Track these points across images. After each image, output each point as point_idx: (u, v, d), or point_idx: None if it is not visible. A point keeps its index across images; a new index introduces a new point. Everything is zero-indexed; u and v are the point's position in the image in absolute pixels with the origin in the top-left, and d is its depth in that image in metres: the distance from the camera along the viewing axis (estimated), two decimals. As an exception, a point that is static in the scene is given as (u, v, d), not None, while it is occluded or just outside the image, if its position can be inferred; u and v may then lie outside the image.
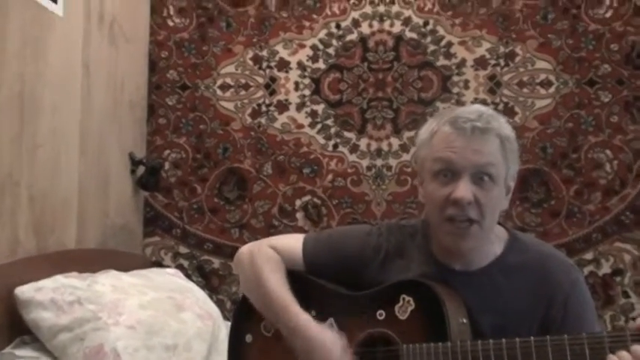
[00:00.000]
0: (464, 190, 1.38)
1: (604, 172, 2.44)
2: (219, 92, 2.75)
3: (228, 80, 2.75)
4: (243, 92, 2.74)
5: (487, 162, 1.39)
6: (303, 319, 1.46)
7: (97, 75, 2.43)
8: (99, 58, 2.44)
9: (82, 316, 1.83)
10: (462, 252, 1.46)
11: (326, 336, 1.43)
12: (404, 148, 2.59)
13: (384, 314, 1.46)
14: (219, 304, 2.52)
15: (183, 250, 2.76)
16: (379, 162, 2.63)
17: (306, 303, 1.51)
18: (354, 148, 2.65)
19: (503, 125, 1.43)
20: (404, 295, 1.44)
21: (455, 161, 1.39)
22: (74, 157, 2.31)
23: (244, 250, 1.63)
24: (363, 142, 2.64)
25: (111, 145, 2.55)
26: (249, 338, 1.62)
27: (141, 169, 2.68)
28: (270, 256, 1.57)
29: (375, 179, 2.63)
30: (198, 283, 2.53)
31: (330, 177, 2.66)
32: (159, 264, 2.70)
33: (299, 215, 2.69)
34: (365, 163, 2.64)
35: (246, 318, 1.64)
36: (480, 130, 1.38)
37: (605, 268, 2.43)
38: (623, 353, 1.21)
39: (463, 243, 1.42)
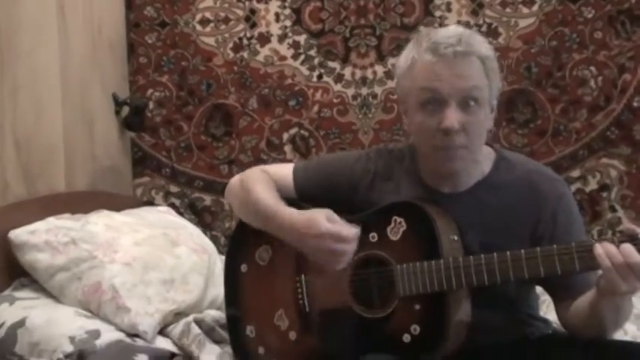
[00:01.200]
0: (452, 118, 1.38)
1: (589, 89, 2.44)
2: (198, 27, 2.70)
3: (208, 15, 2.69)
4: (223, 26, 2.69)
5: (472, 86, 1.39)
6: (288, 212, 1.46)
7: (72, 16, 2.37)
8: (73, -2, 2.38)
9: (78, 255, 1.85)
10: (451, 174, 1.47)
11: (308, 215, 1.43)
12: (389, 75, 2.57)
13: (376, 236, 1.48)
14: (214, 240, 2.53)
15: (173, 189, 2.76)
16: (365, 90, 2.61)
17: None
18: (339, 78, 2.63)
19: (482, 45, 1.42)
20: (395, 217, 1.47)
21: (440, 90, 1.38)
22: (56, 101, 2.28)
23: (235, 177, 1.65)
24: (347, 71, 2.62)
25: (93, 87, 2.51)
26: (244, 268, 1.65)
27: (125, 110, 2.65)
28: (260, 176, 1.59)
29: (361, 108, 2.62)
30: (191, 221, 2.54)
31: (316, 108, 2.65)
32: (150, 203, 2.70)
33: (287, 148, 2.68)
34: (350, 92, 2.62)
35: (240, 248, 1.67)
36: (462, 54, 1.37)
37: (592, 185, 2.46)
38: (610, 247, 1.24)
39: (452, 165, 1.45)
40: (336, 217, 1.41)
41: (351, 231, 1.39)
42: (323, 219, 1.39)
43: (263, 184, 1.56)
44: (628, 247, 1.24)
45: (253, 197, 1.53)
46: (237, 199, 1.62)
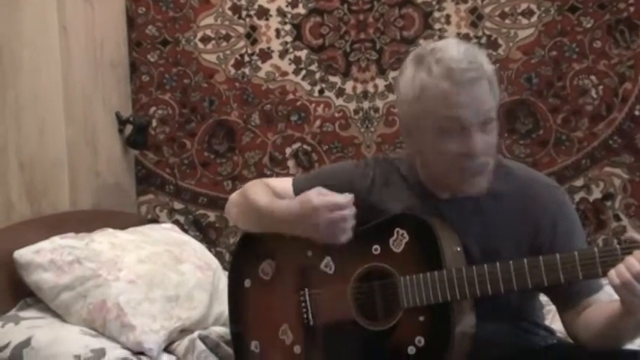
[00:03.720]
0: (479, 143, 1.38)
1: (590, 99, 2.44)
2: (200, 45, 2.72)
3: (209, 32, 2.72)
4: (224, 43, 2.71)
5: (489, 108, 1.40)
6: (285, 205, 1.49)
7: (74, 35, 2.40)
8: (75, 17, 2.40)
9: (83, 274, 1.85)
10: (470, 189, 1.46)
11: (298, 199, 1.46)
12: (390, 88, 2.58)
13: (379, 249, 1.48)
14: (218, 256, 2.53)
15: (178, 205, 2.77)
16: (366, 104, 2.62)
17: (301, 244, 1.53)
18: (340, 92, 2.64)
19: (486, 62, 1.41)
20: (397, 229, 1.47)
21: (464, 118, 1.37)
22: (60, 120, 2.30)
23: (235, 193, 1.66)
24: (348, 86, 2.63)
25: (96, 106, 2.53)
26: (247, 283, 1.65)
27: (129, 128, 2.67)
28: (258, 184, 1.61)
29: (363, 122, 2.63)
30: (195, 238, 2.54)
31: (318, 122, 2.66)
32: (155, 221, 2.71)
33: (290, 163, 2.69)
34: (352, 106, 2.63)
35: (244, 264, 1.67)
36: (476, 80, 1.37)
37: (596, 194, 2.46)
38: (619, 266, 1.24)
39: (477, 182, 1.44)
40: (325, 190, 1.44)
41: (344, 197, 1.42)
42: (313, 195, 1.43)
43: (260, 190, 1.58)
44: (631, 259, 1.23)
45: (250, 201, 1.56)
46: (236, 209, 1.64)
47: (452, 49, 1.40)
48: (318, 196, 1.42)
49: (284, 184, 1.63)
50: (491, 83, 1.40)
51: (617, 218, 2.44)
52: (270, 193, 1.58)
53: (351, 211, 1.42)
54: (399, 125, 1.54)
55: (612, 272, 1.25)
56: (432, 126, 1.41)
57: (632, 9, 2.37)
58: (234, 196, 1.66)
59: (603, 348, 1.39)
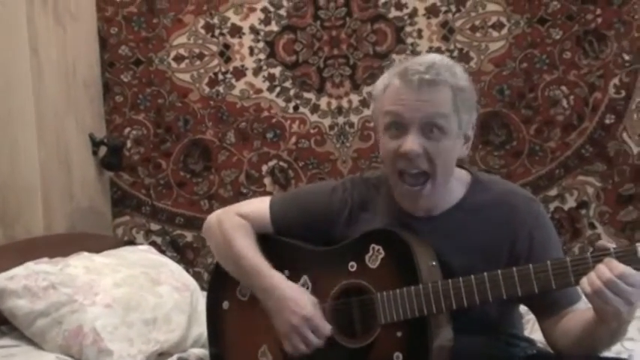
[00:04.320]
0: (411, 142, 1.39)
1: (561, 109, 2.47)
2: (173, 64, 2.72)
3: (182, 51, 2.71)
4: (198, 62, 2.71)
5: (434, 113, 1.39)
6: (276, 279, 1.49)
7: (46, 57, 2.38)
8: (46, 39, 2.39)
9: (58, 300, 1.83)
10: (420, 206, 1.48)
11: (296, 293, 1.47)
12: (364, 103, 2.60)
13: (355, 265, 1.48)
14: (196, 276, 2.52)
15: (154, 226, 2.76)
16: (341, 120, 2.63)
17: (278, 263, 1.53)
18: (315, 108, 2.65)
19: (457, 75, 1.42)
20: (373, 245, 1.47)
21: (402, 114, 1.40)
22: (32, 143, 2.28)
23: (212, 219, 1.64)
24: (323, 102, 2.64)
25: (69, 128, 2.51)
26: (226, 305, 1.65)
27: (103, 150, 2.65)
28: (238, 224, 1.59)
29: (338, 137, 2.64)
30: (173, 258, 2.53)
31: (293, 139, 2.66)
32: (131, 243, 2.69)
33: (266, 181, 2.69)
34: (327, 122, 2.64)
35: (221, 285, 1.66)
36: (428, 82, 1.38)
37: (570, 202, 2.48)
38: (590, 274, 1.25)
39: (420, 202, 1.46)
40: (317, 306, 1.48)
41: (326, 328, 1.46)
42: (310, 304, 1.46)
43: (243, 236, 1.57)
44: (601, 267, 1.24)
45: (235, 251, 1.56)
46: (216, 247, 1.63)
47: (423, 57, 1.47)
48: (313, 310, 1.46)
49: (260, 208, 1.61)
50: (456, 95, 1.40)
51: (592, 226, 2.46)
52: (253, 238, 1.58)
53: (321, 343, 1.46)
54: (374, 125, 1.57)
55: (584, 280, 1.25)
56: (381, 122, 1.45)
57: (599, 20, 2.41)
58: (213, 228, 1.63)
59: (580, 355, 1.39)
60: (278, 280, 1.49)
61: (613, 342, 1.40)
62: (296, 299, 1.46)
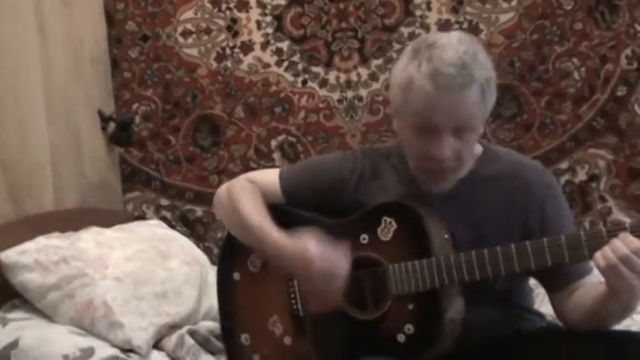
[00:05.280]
0: (444, 148, 1.37)
1: (572, 81, 2.44)
2: (181, 39, 2.70)
3: (189, 26, 2.69)
4: (205, 37, 2.69)
5: (467, 116, 1.36)
6: (278, 238, 1.44)
7: (53, 34, 2.37)
8: (53, 17, 2.37)
9: (69, 273, 1.84)
10: (439, 184, 1.48)
11: (301, 248, 1.39)
12: (373, 77, 2.58)
13: (367, 238, 1.48)
14: (207, 251, 2.52)
15: (164, 202, 2.76)
16: (350, 94, 2.62)
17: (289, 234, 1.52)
18: (324, 82, 2.63)
19: (483, 68, 1.36)
20: (385, 217, 1.46)
21: (435, 121, 1.36)
22: (41, 120, 2.27)
23: (222, 187, 1.64)
24: (331, 75, 2.62)
25: (78, 104, 2.50)
26: (236, 276, 1.65)
27: (112, 126, 2.65)
28: (246, 187, 1.58)
29: (347, 111, 2.62)
30: (183, 233, 2.53)
31: (302, 114, 2.65)
32: (141, 218, 2.69)
33: (276, 155, 2.68)
34: (336, 96, 2.62)
35: (232, 257, 1.66)
36: (461, 86, 1.32)
37: (581, 176, 2.46)
38: (605, 248, 1.24)
39: (441, 181, 1.46)
40: (324, 242, 1.38)
41: (343, 255, 1.38)
42: (313, 253, 1.37)
43: (250, 199, 1.54)
44: (617, 242, 1.24)
45: (241, 215, 1.52)
46: (224, 213, 1.61)
47: (448, 49, 1.34)
48: (318, 257, 1.37)
49: (270, 177, 1.61)
50: (484, 91, 1.35)
51: (603, 199, 2.45)
52: (261, 201, 1.54)
53: (345, 271, 1.38)
54: (391, 106, 1.53)
55: (598, 255, 1.25)
56: (409, 119, 1.41)
57: (611, -11, 2.38)
58: (222, 197, 1.62)
59: (591, 329, 1.39)
60: (279, 239, 1.43)
61: (624, 316, 1.40)
62: (300, 256, 1.38)
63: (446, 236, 1.44)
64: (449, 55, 1.33)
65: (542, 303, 1.70)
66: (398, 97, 1.42)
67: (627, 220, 1.26)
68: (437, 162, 1.39)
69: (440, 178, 1.46)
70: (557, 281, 1.45)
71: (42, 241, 1.92)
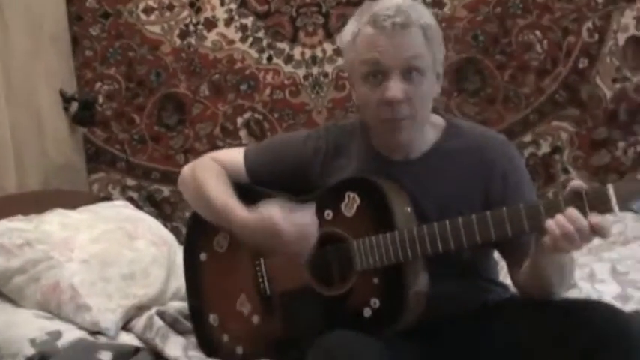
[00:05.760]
0: (394, 89, 1.39)
1: (535, 54, 2.47)
2: (143, 16, 2.66)
3: (151, 3, 2.65)
4: (168, 14, 2.66)
5: (412, 55, 1.40)
6: (243, 214, 1.44)
7: (11, 12, 2.33)
8: (11, -7, 2.33)
9: (34, 257, 1.82)
10: (399, 144, 1.48)
11: (266, 217, 1.39)
12: (338, 52, 2.56)
13: (331, 214, 1.48)
14: (175, 231, 2.51)
15: (130, 182, 2.74)
16: (315, 70, 2.61)
17: (253, 213, 1.52)
18: (289, 59, 2.62)
19: (423, 14, 1.43)
20: (348, 193, 1.47)
21: (381, 61, 1.40)
22: (1, 100, 2.23)
23: (186, 167, 1.64)
24: (296, 52, 2.61)
25: (38, 84, 2.46)
26: (203, 257, 1.64)
27: (74, 105, 2.61)
28: (210, 167, 1.58)
29: (313, 87, 2.62)
30: (150, 214, 2.52)
31: (267, 90, 2.64)
32: (107, 199, 2.67)
33: (242, 133, 2.67)
34: (301, 72, 2.62)
35: (198, 237, 1.66)
36: (400, 25, 1.38)
37: (544, 148, 2.50)
38: (559, 217, 1.27)
39: (399, 137, 1.46)
40: (288, 207, 1.40)
41: (308, 213, 1.40)
42: (279, 219, 1.38)
43: (214, 178, 1.54)
44: (574, 213, 1.26)
45: (205, 194, 1.52)
46: (189, 193, 1.61)
47: (387, 1, 1.43)
48: (284, 222, 1.38)
49: (235, 156, 1.60)
50: (426, 33, 1.41)
51: (566, 171, 2.49)
52: (225, 180, 1.54)
53: (314, 228, 1.40)
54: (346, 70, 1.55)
55: (551, 222, 1.27)
56: (358, 73, 1.44)
57: (573, -38, 2.39)
58: (186, 176, 1.61)
59: (542, 295, 1.40)
60: (243, 216, 1.43)
61: (565, 276, 1.42)
62: (264, 227, 1.39)
63: (409, 209, 1.45)
64: (388, 4, 1.42)
65: (507, 275, 1.72)
66: (348, 56, 1.47)
67: (584, 187, 1.28)
68: (391, 108, 1.40)
69: (400, 141, 1.46)
70: (517, 253, 1.45)
71: (5, 224, 1.89)
